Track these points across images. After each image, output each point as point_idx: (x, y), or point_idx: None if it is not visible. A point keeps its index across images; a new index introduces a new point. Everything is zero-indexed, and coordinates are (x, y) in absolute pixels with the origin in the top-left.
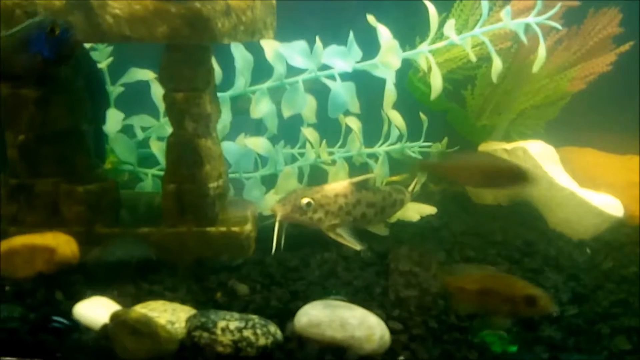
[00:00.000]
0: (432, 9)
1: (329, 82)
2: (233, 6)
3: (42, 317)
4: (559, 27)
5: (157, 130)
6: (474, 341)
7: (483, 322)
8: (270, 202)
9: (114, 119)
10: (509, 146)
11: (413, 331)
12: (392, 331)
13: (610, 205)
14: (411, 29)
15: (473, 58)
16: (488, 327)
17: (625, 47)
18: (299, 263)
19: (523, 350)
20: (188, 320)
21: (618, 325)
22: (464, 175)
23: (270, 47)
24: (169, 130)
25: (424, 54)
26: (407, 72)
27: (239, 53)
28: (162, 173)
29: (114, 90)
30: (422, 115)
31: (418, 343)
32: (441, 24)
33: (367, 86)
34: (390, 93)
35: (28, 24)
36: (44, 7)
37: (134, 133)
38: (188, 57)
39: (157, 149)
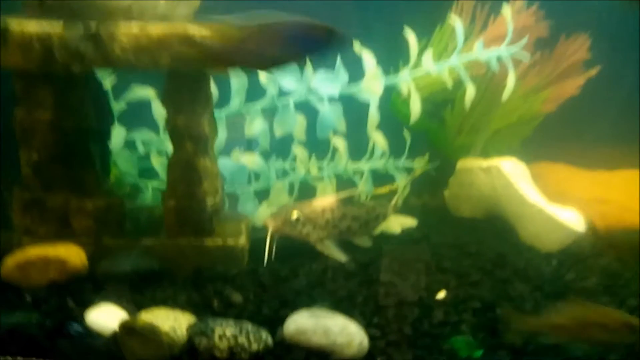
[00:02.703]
0: (412, 39)
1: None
2: (230, 37)
3: (57, 323)
4: (527, 58)
5: (157, 145)
6: (443, 346)
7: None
8: (263, 215)
9: (117, 135)
10: (484, 164)
11: (389, 337)
12: (371, 337)
13: (574, 220)
14: (398, 50)
15: (449, 85)
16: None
17: (594, 71)
18: (288, 273)
19: (488, 354)
20: (189, 327)
21: None
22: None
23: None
24: (168, 145)
25: (405, 81)
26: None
27: (235, 76)
28: (161, 186)
29: (117, 106)
30: (405, 133)
31: (394, 348)
32: (424, 48)
33: None
34: (373, 116)
35: (297, 19)
36: (59, 37)
37: (136, 147)
38: (189, 83)
39: (157, 162)
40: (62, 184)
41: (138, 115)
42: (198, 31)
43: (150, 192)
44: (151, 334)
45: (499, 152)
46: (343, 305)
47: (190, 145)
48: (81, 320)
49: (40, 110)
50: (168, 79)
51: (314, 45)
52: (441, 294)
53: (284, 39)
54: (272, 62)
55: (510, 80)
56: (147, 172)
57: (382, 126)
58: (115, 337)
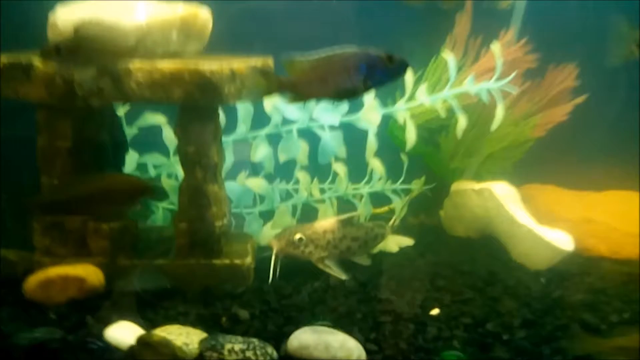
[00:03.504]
0: (408, 73)
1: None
2: (238, 73)
3: (79, 339)
4: (515, 90)
5: (167, 168)
6: (435, 359)
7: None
8: (268, 235)
9: (129, 158)
10: (477, 186)
11: (386, 352)
12: (368, 352)
13: (562, 240)
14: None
15: (442, 115)
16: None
17: (581, 99)
18: (292, 291)
19: None
20: (200, 342)
21: (557, 346)
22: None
23: (269, 100)
24: (178, 168)
25: (401, 111)
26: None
27: (241, 105)
28: (171, 206)
29: (129, 131)
30: (402, 157)
31: None
32: (418, 80)
33: None
34: (371, 144)
35: (361, 52)
36: (79, 73)
37: (147, 170)
38: (199, 115)
39: (167, 185)
40: (80, 208)
41: (149, 139)
42: (208, 66)
43: (161, 212)
44: (165, 348)
45: (491, 175)
46: (343, 321)
47: (200, 172)
48: (100, 335)
49: (60, 140)
50: (180, 112)
51: (377, 73)
52: (435, 311)
53: (349, 69)
54: (340, 92)
55: (499, 112)
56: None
57: (381, 150)
58: (132, 352)
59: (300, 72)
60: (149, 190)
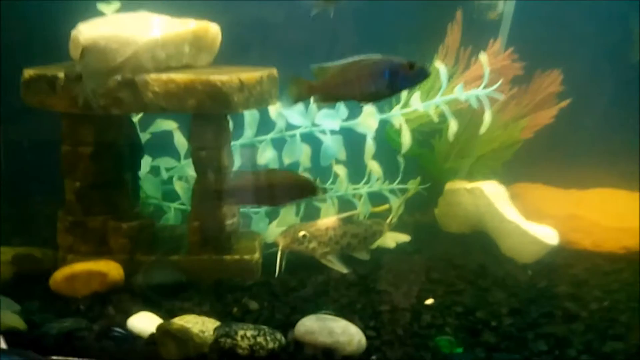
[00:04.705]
0: None
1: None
2: (246, 83)
3: (103, 328)
4: (501, 97)
5: (178, 171)
6: (429, 345)
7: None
8: (273, 233)
9: (143, 162)
10: (469, 186)
11: (384, 337)
12: (368, 337)
13: (548, 235)
14: None
15: (435, 120)
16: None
17: (565, 102)
18: (297, 284)
19: (467, 351)
20: (215, 329)
21: (541, 332)
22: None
23: (273, 107)
24: (188, 170)
25: (397, 116)
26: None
27: (248, 112)
28: (182, 207)
29: (143, 136)
30: (399, 159)
31: (387, 346)
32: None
33: None
34: (369, 147)
35: (385, 59)
36: (101, 86)
37: (159, 173)
38: (211, 123)
39: (179, 186)
40: (100, 208)
41: (162, 144)
42: (219, 77)
43: (173, 212)
44: (184, 335)
45: (482, 175)
46: (345, 310)
47: (211, 175)
48: (123, 325)
49: (82, 146)
50: (193, 120)
51: (399, 79)
52: (429, 301)
53: (373, 75)
54: (365, 95)
55: (487, 117)
56: (170, 194)
57: (379, 152)
58: (152, 339)
59: (328, 77)
60: (314, 188)
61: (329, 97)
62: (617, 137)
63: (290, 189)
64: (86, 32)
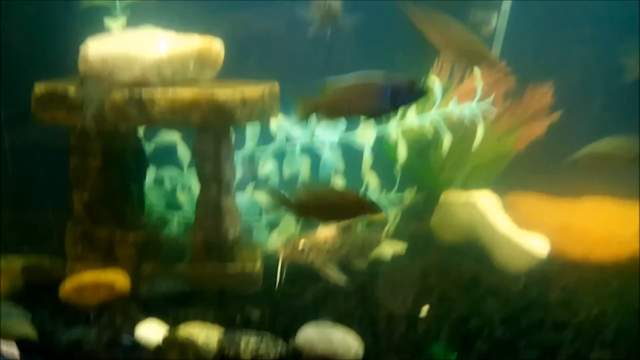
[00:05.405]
0: None
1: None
2: (248, 99)
3: (112, 337)
4: (494, 112)
5: (182, 181)
6: (424, 352)
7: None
8: (274, 243)
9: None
10: (463, 196)
11: (381, 345)
12: (366, 345)
13: (539, 245)
14: None
15: (430, 133)
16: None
17: (557, 115)
18: (297, 293)
19: (460, 358)
20: (219, 338)
21: (531, 339)
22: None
23: (274, 120)
24: (191, 181)
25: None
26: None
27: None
28: (186, 217)
29: (147, 147)
30: (396, 169)
31: (384, 354)
32: None
33: None
34: (366, 159)
35: (388, 78)
36: (109, 102)
37: (163, 183)
38: (214, 137)
39: (182, 197)
40: (108, 219)
41: (166, 155)
42: (222, 93)
43: (176, 222)
44: (190, 344)
45: (477, 185)
46: (343, 319)
47: (215, 187)
48: (130, 333)
49: (91, 159)
50: (198, 134)
51: (400, 97)
52: (424, 309)
53: (376, 93)
54: (368, 112)
55: (479, 130)
56: (173, 205)
57: (377, 163)
58: (159, 348)
59: (333, 95)
60: (373, 207)
61: (333, 114)
62: None
63: (353, 206)
64: (94, 49)
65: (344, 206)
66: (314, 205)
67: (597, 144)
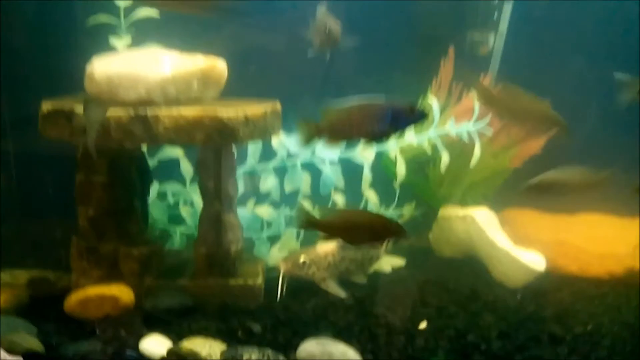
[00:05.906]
0: None
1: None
2: (251, 117)
3: (116, 351)
4: (490, 132)
5: (184, 196)
6: None
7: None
8: (275, 258)
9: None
10: (461, 212)
11: (380, 359)
12: (365, 359)
13: (536, 261)
14: None
15: (428, 152)
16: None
17: (552, 132)
18: (298, 307)
19: None
20: (222, 353)
21: (528, 355)
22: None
23: (275, 137)
24: (194, 196)
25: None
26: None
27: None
28: (188, 231)
29: (150, 162)
30: (395, 186)
31: None
32: None
33: None
34: (366, 177)
35: (388, 102)
36: (115, 120)
37: (166, 198)
38: (217, 154)
39: (185, 211)
40: (112, 235)
41: (169, 170)
42: (226, 113)
43: (178, 236)
44: (193, 358)
45: (474, 201)
46: (343, 333)
47: (217, 203)
48: (135, 347)
49: (96, 175)
50: (201, 151)
51: (400, 121)
52: (423, 324)
53: (377, 117)
54: (368, 135)
55: (476, 149)
56: (175, 219)
57: (377, 179)
58: None
59: (335, 119)
60: (401, 231)
61: (335, 137)
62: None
63: (380, 230)
64: (100, 68)
65: (372, 229)
66: (343, 227)
67: (553, 172)
